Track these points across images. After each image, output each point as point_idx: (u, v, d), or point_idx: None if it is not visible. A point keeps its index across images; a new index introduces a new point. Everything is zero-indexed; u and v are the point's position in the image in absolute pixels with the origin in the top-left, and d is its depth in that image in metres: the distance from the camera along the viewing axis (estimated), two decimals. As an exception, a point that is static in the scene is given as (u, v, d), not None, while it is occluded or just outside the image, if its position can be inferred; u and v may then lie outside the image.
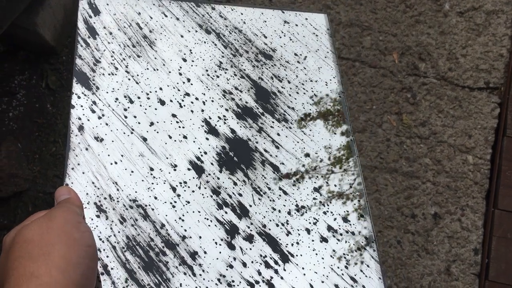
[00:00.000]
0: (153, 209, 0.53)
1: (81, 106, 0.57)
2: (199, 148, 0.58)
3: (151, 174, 0.55)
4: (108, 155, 0.55)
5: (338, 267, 0.54)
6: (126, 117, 0.58)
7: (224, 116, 0.61)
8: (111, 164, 0.55)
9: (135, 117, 0.58)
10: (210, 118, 0.60)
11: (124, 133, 0.57)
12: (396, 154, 1.41)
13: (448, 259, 1.31)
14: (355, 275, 0.54)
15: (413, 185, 1.38)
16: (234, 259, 0.52)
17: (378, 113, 1.44)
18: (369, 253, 0.56)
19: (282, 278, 0.52)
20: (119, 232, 0.51)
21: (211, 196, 0.55)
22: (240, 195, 0.56)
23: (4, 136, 1.17)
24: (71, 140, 0.55)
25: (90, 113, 0.57)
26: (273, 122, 0.62)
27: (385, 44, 1.53)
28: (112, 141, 0.56)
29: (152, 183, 0.55)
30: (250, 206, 0.56)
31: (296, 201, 0.57)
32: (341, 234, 0.56)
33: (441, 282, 1.27)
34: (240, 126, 0.61)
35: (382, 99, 1.46)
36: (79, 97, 0.58)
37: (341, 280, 0.53)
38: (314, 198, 0.58)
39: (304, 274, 0.53)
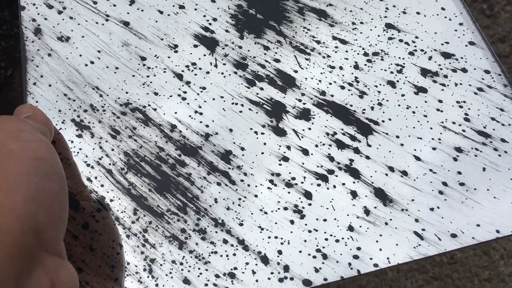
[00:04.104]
0: (155, 109, 0.36)
1: (33, 4, 0.41)
2: (204, 16, 0.40)
3: (144, 65, 0.38)
4: (80, 56, 0.38)
5: (454, 123, 0.34)
6: (95, 2, 0.41)
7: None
8: (86, 65, 0.38)
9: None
10: (210, -27, 0.41)
11: (97, 23, 0.40)
12: None
13: None
14: (484, 127, 0.34)
15: None
16: (288, 148, 0.34)
17: None
18: (499, 92, 0.35)
19: (368, 157, 0.33)
20: (112, 149, 0.34)
21: (235, 73, 0.37)
22: (278, 60, 0.37)
23: None
24: (27, 49, 0.39)
25: (47, 10, 0.40)
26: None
27: None
28: (82, 36, 0.39)
29: (148, 76, 0.37)
30: (296, 71, 0.37)
31: (362, 47, 0.37)
32: (445, 76, 0.36)
33: None
34: (256, -28, 0.41)
35: None
36: (28, -6, 0.41)
37: (465, 140, 0.33)
38: (390, 38, 0.37)
39: (402, 145, 0.33)
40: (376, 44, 0.37)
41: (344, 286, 0.88)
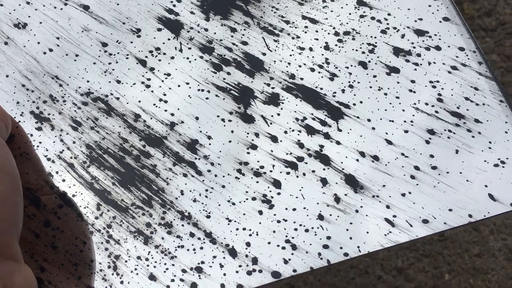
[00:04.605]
0: (118, 98, 0.34)
1: (-13, -11, 0.39)
2: (168, -3, 0.38)
3: (106, 52, 0.36)
4: (38, 43, 0.36)
5: (427, 104, 0.33)
6: (53, -15, 0.39)
7: None
8: (45, 53, 0.36)
9: (65, -18, 0.39)
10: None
11: (55, 7, 0.38)
12: None
13: None
14: (458, 108, 0.32)
15: None
16: (257, 135, 0.33)
17: None
18: (473, 70, 0.33)
19: (338, 143, 0.32)
20: (74, 142, 0.33)
21: (201, 57, 0.35)
22: (245, 43, 0.36)
23: None
24: (-18, 38, 0.37)
25: (2, -5, 0.38)
26: None
27: None
28: (40, 22, 0.37)
29: (110, 63, 0.36)
30: (264, 54, 0.35)
31: (333, 27, 0.36)
32: (418, 55, 0.34)
33: None
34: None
35: None
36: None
37: (438, 122, 0.32)
38: (362, 16, 0.36)
39: (373, 128, 0.32)
40: (347, 23, 0.36)
41: (334, 266, 0.89)
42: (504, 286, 0.93)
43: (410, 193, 0.30)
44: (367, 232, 0.29)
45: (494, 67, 1.13)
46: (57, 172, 0.32)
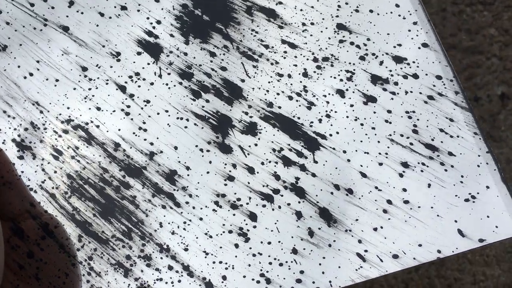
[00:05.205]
0: (98, 126, 0.35)
1: (-34, 8, 0.38)
2: (148, 18, 0.37)
3: (86, 76, 0.36)
4: (18, 67, 0.36)
5: (402, 135, 0.33)
6: (32, 4, 0.38)
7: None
8: (25, 78, 0.36)
9: (45, 1, 0.38)
10: (153, -32, 0.39)
11: (35, 28, 0.38)
12: (454, 27, 1.10)
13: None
14: (432, 140, 0.33)
15: (475, 62, 1.08)
16: (234, 166, 0.33)
17: None
18: (450, 100, 0.34)
19: (314, 175, 0.33)
20: (55, 172, 0.34)
21: (180, 83, 0.36)
22: (224, 68, 0.36)
23: None
24: (-38, 61, 0.37)
25: (-20, 15, 0.38)
26: None
27: None
28: (20, 44, 0.37)
29: (90, 89, 0.36)
30: (243, 80, 0.35)
31: (312, 52, 0.36)
32: (395, 83, 0.34)
33: (510, 172, 1.01)
34: (201, -33, 0.38)
35: None
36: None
37: (412, 154, 0.33)
38: (341, 41, 0.36)
39: (348, 160, 0.33)
40: (326, 48, 0.36)
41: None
42: None
43: (382, 227, 0.31)
44: (339, 267, 0.30)
45: (492, 41, 1.12)
46: (39, 202, 0.33)
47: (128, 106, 0.35)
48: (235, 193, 0.32)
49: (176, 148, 0.34)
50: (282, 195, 0.32)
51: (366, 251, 0.31)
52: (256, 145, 0.34)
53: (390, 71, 0.35)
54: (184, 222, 0.32)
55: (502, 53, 1.11)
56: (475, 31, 1.13)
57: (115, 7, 0.38)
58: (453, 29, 1.12)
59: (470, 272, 0.99)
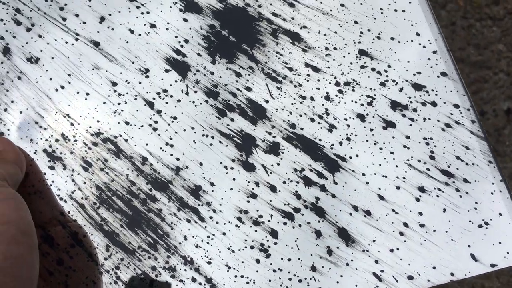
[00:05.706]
0: (126, 140, 0.36)
1: (1, 20, 0.40)
2: (176, 37, 0.39)
3: (115, 91, 0.37)
4: (50, 79, 0.38)
5: (420, 161, 0.35)
6: (64, 19, 0.40)
7: (202, -20, 0.40)
8: (56, 90, 0.38)
9: (76, 15, 0.40)
10: (183, -12, 0.40)
11: (67, 42, 0.39)
12: (463, 41, 1.12)
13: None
14: (448, 166, 0.34)
15: (482, 77, 1.10)
16: (257, 184, 0.35)
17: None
18: (466, 129, 0.35)
19: (333, 196, 0.34)
20: (84, 183, 0.35)
21: (207, 102, 0.37)
22: (249, 89, 0.37)
23: None
24: (-4, 71, 0.38)
25: (15, 26, 0.39)
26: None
27: None
28: (52, 58, 0.39)
29: (119, 103, 0.37)
30: (267, 101, 0.37)
31: (334, 76, 0.37)
32: (414, 110, 0.36)
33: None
34: (230, -11, 0.40)
35: None
36: (-6, 9, 0.40)
37: (428, 179, 0.34)
38: (363, 67, 0.37)
39: (367, 183, 0.34)
40: (348, 73, 0.37)
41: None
42: None
43: (398, 249, 0.32)
44: (356, 286, 0.32)
45: (500, 56, 1.13)
46: (68, 212, 0.34)
47: (156, 122, 0.36)
48: (257, 210, 0.34)
49: (201, 164, 0.35)
50: (302, 214, 0.34)
51: (382, 271, 0.32)
52: (278, 164, 0.35)
53: (409, 98, 0.36)
54: (208, 236, 0.33)
55: (510, 68, 1.12)
56: (483, 46, 1.14)
57: (144, 24, 0.39)
58: (462, 43, 1.14)
59: (469, 284, 1.01)
